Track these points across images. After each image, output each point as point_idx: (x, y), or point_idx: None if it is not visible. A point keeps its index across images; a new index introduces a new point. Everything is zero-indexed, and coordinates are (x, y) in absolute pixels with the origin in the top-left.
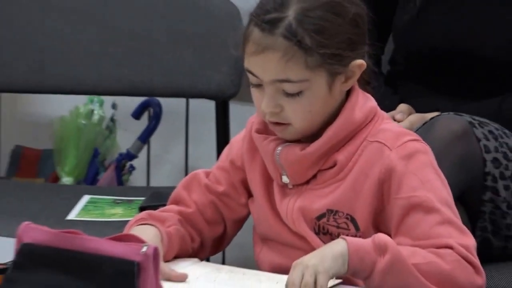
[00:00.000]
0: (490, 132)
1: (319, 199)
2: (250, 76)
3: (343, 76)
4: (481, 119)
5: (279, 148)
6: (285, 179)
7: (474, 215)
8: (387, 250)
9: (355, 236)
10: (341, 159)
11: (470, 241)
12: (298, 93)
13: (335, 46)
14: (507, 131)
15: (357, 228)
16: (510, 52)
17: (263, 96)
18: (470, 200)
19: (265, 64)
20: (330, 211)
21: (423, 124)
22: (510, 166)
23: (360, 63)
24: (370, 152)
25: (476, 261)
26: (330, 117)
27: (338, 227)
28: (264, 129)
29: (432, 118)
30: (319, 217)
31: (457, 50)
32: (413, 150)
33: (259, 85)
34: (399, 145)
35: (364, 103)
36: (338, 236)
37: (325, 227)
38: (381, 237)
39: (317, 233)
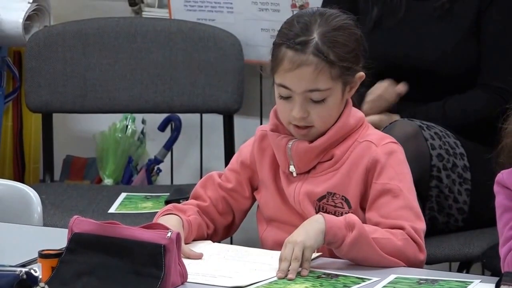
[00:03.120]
0: (436, 133)
1: (320, 184)
2: (281, 89)
3: (349, 86)
4: (429, 123)
5: (291, 142)
6: (292, 168)
7: (424, 198)
8: (355, 228)
9: (348, 212)
10: (337, 153)
11: (421, 225)
12: (323, 100)
13: (349, 60)
14: (449, 132)
15: (349, 206)
16: (444, 65)
17: (290, 106)
18: (420, 187)
19: (300, 77)
20: (329, 193)
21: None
22: (450, 159)
23: (361, 75)
24: (360, 149)
25: (421, 241)
26: None
27: (335, 206)
28: (276, 129)
29: (391, 122)
30: (320, 199)
31: (404, 63)
32: (393, 149)
33: (288, 97)
34: (383, 144)
35: (355, 113)
36: (334, 214)
37: (324, 207)
38: (351, 217)
39: (317, 212)
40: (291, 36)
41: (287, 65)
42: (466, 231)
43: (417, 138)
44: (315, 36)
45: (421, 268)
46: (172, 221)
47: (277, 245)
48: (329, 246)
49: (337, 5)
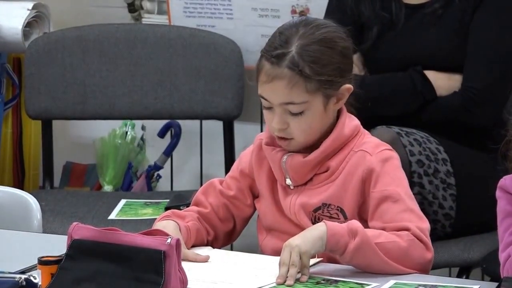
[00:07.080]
0: (415, 139)
1: (315, 196)
2: (263, 100)
3: (335, 98)
4: (408, 130)
5: (285, 156)
6: (288, 181)
7: None
8: (357, 234)
9: (343, 222)
10: (333, 165)
11: (425, 224)
12: (301, 113)
13: (328, 74)
14: (431, 139)
15: (345, 217)
16: (438, 58)
17: (273, 116)
18: None
19: (274, 90)
20: (324, 204)
21: None
22: (432, 165)
23: (348, 87)
24: (355, 159)
25: (427, 240)
26: (324, 133)
27: (330, 216)
28: (271, 142)
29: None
30: (316, 210)
31: (402, 65)
32: (388, 156)
33: (270, 108)
34: (378, 152)
35: (350, 122)
36: None
37: (320, 218)
38: (354, 223)
39: (313, 223)
40: (271, 48)
41: (264, 77)
42: (456, 238)
43: (395, 145)
44: (293, 49)
45: (430, 267)
46: (169, 226)
47: (276, 254)
48: (333, 254)
49: (340, 16)
